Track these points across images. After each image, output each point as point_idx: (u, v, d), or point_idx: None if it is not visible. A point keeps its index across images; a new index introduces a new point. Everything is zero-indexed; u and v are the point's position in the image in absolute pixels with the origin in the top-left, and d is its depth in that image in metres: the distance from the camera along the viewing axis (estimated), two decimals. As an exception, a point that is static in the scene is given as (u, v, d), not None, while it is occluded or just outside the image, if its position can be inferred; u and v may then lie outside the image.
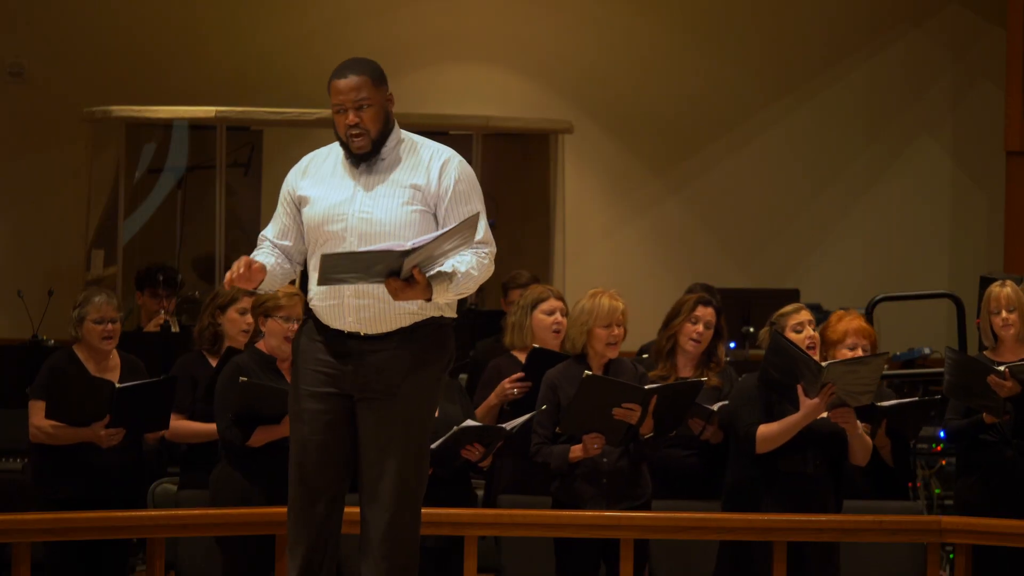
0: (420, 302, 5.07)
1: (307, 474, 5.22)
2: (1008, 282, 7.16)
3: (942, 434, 8.45)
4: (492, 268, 5.17)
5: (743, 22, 12.70)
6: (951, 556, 7.54)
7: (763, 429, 6.58)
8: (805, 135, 12.78)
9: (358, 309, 5.13)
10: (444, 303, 5.16)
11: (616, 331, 6.78)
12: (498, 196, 12.07)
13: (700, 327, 7.07)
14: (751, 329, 9.67)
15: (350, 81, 5.23)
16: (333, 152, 5.34)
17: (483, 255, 5.13)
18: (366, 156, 5.21)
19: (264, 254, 5.27)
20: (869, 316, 9.01)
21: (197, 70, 11.93)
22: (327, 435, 5.21)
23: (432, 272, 4.99)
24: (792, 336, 6.74)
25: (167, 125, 11.58)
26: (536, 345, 7.21)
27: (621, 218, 12.65)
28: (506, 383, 7.16)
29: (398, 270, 4.95)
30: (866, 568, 6.94)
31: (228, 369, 6.74)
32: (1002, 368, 6.88)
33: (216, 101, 11.39)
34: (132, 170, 11.54)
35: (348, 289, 5.12)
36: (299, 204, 5.28)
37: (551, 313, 7.29)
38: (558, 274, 12.04)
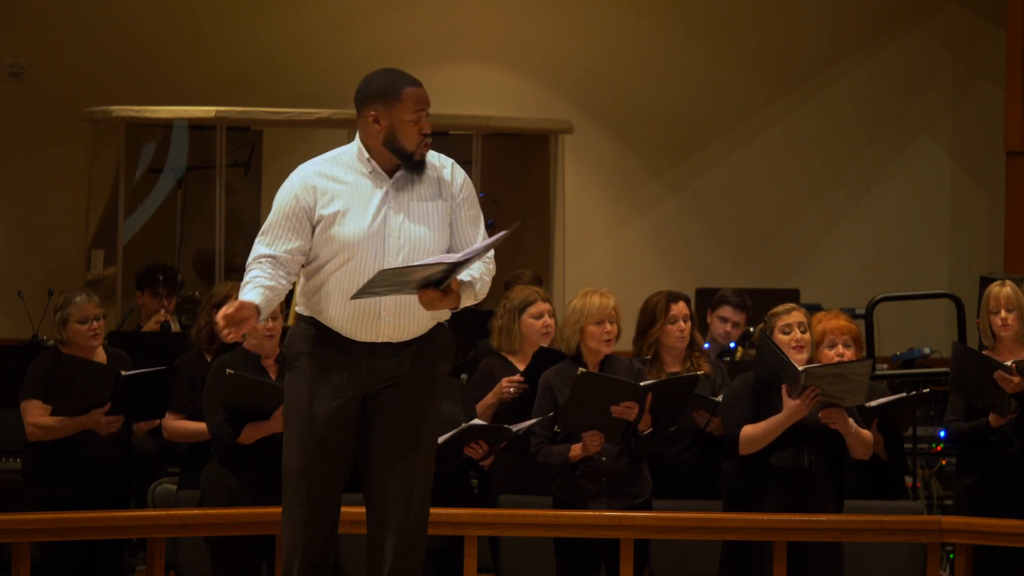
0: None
1: (319, 476, 5.26)
2: (1007, 282, 7.16)
3: (942, 434, 8.46)
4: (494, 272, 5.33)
5: (743, 22, 12.70)
6: (951, 556, 7.54)
7: (746, 430, 6.62)
8: (805, 135, 12.78)
9: (395, 317, 5.18)
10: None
11: (609, 328, 6.78)
12: (498, 196, 12.07)
13: (680, 323, 7.13)
14: (751, 329, 9.66)
15: (425, 91, 5.33)
16: (340, 165, 5.32)
17: (488, 261, 5.26)
18: (418, 166, 5.26)
19: (257, 288, 5.18)
20: (869, 316, 9.01)
21: (197, 70, 11.93)
22: (341, 437, 5.25)
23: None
24: (780, 337, 6.74)
25: (167, 125, 11.57)
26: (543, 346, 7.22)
27: (621, 218, 12.65)
28: (504, 382, 7.16)
29: (439, 280, 5.02)
30: (866, 568, 6.95)
31: (215, 367, 6.74)
32: (1009, 364, 6.88)
33: (216, 101, 11.39)
34: (132, 170, 11.53)
35: (386, 302, 5.16)
36: (318, 222, 5.22)
37: (539, 316, 7.29)
38: (558, 274, 12.03)
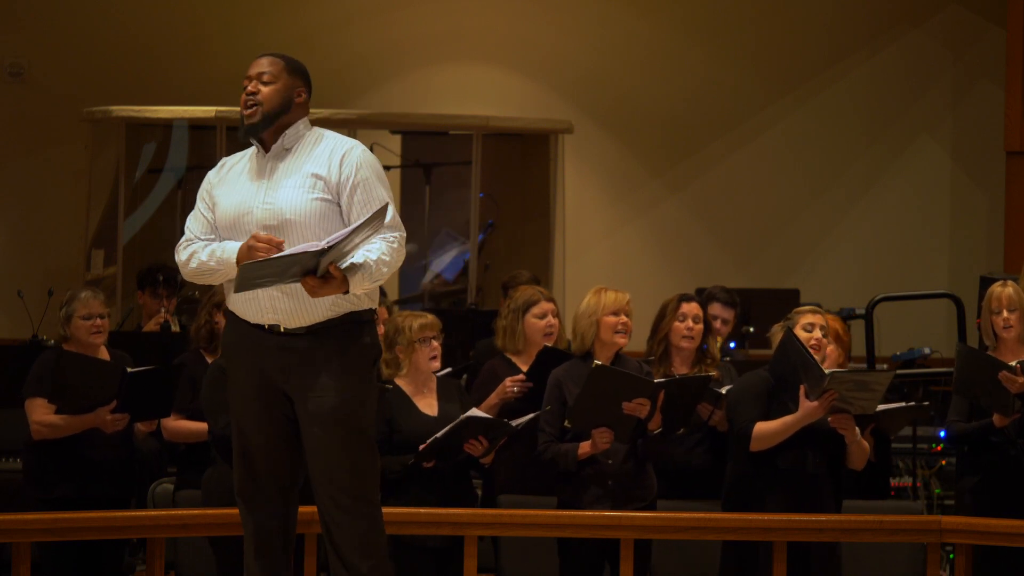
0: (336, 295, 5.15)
1: (259, 477, 5.34)
2: (1009, 282, 7.16)
3: (942, 434, 8.46)
4: (404, 253, 5.21)
5: (743, 22, 12.70)
6: (951, 556, 7.54)
7: (760, 427, 6.59)
8: (805, 135, 12.77)
9: (273, 302, 5.18)
10: (361, 294, 5.21)
11: (624, 319, 6.77)
12: (498, 196, 12.07)
13: (689, 322, 7.11)
14: (751, 329, 9.67)
15: (262, 59, 5.33)
16: (247, 154, 5.39)
17: (392, 240, 5.16)
18: (255, 129, 5.25)
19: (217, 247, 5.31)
20: (869, 316, 9.01)
21: (197, 70, 11.93)
22: (272, 439, 5.29)
23: (346, 265, 5.04)
24: (801, 335, 6.74)
25: (167, 125, 11.58)
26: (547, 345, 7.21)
27: (621, 218, 12.65)
28: (507, 382, 7.15)
29: (314, 269, 5.01)
30: (866, 568, 6.95)
31: (212, 369, 6.72)
32: (1014, 364, 6.88)
33: (216, 101, 11.38)
34: (132, 170, 11.53)
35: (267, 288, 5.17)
36: (213, 203, 5.36)
37: (543, 316, 7.28)
38: (558, 274, 12.03)
